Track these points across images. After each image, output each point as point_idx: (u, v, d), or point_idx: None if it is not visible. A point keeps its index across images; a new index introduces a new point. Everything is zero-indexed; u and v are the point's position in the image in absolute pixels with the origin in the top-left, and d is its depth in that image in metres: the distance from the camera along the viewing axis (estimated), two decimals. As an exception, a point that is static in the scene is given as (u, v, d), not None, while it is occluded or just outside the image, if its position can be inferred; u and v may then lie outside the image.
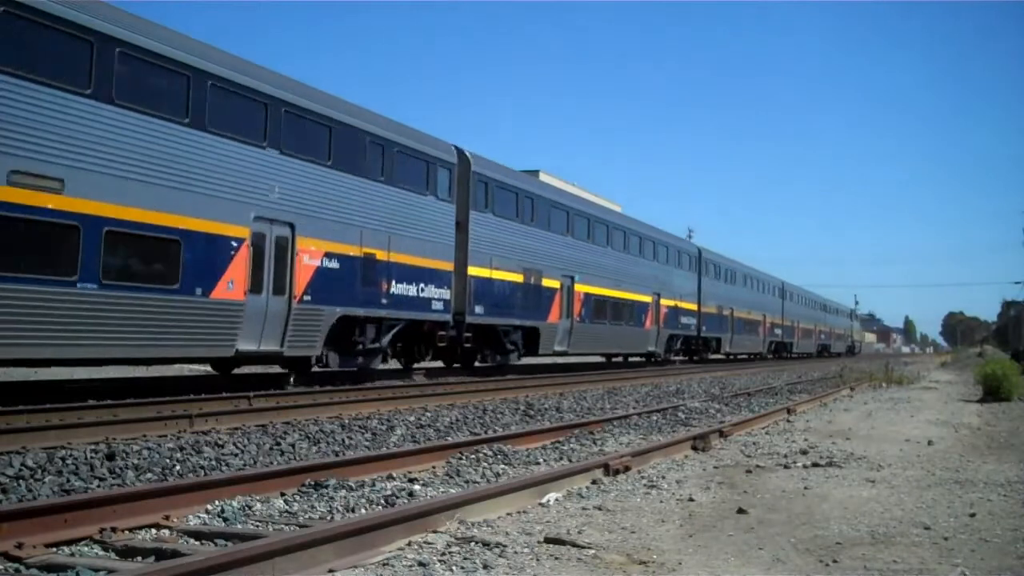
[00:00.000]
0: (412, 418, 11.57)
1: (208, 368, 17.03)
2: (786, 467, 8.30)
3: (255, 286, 13.69)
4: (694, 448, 9.35)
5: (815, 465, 8.39)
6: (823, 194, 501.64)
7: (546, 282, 23.59)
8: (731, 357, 45.68)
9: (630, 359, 33.36)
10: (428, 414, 12.18)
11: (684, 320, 35.20)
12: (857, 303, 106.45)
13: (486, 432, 10.55)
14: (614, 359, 33.19)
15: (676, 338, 34.69)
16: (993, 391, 18.89)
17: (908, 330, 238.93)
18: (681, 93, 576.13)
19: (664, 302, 32.48)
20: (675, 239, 36.31)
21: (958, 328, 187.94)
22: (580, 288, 25.48)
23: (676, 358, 35.61)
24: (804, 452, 9.33)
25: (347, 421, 10.92)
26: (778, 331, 52.68)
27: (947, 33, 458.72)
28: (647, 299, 30.92)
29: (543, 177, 32.70)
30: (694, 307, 36.50)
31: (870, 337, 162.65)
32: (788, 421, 13.14)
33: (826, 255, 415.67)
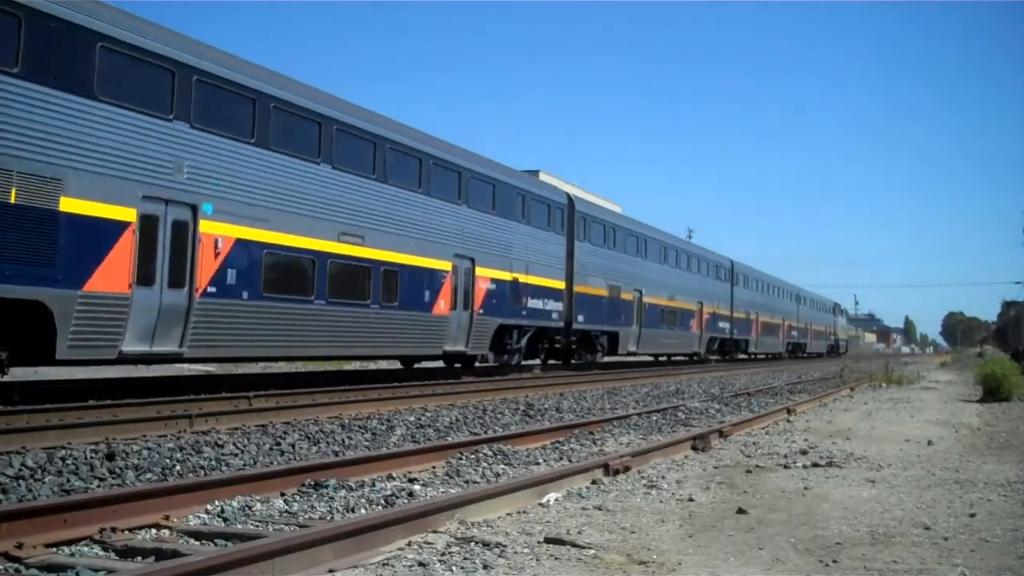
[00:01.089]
0: (412, 418, 11.58)
1: (210, 368, 15.70)
2: (786, 467, 8.30)
3: None
4: (694, 448, 9.35)
5: (815, 465, 8.39)
6: (822, 194, 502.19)
7: (73, 205, 10.76)
8: (669, 359, 36.09)
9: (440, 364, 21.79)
10: (428, 414, 12.19)
11: (534, 304, 22.61)
12: (857, 303, 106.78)
13: (486, 432, 10.55)
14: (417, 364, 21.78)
15: (518, 331, 22.28)
16: (993, 391, 18.91)
17: (908, 330, 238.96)
18: (681, 93, 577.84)
19: (483, 272, 20.24)
20: (509, 172, 22.56)
21: (958, 328, 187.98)
22: (215, 229, 12.92)
23: (535, 363, 24.67)
24: (804, 452, 9.34)
25: (347, 421, 10.93)
26: (724, 325, 40.21)
27: (946, 33, 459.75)
28: (442, 266, 18.66)
29: (543, 177, 30.68)
30: (560, 284, 24.14)
31: (870, 337, 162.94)
32: (788, 421, 13.14)
33: (826, 255, 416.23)
